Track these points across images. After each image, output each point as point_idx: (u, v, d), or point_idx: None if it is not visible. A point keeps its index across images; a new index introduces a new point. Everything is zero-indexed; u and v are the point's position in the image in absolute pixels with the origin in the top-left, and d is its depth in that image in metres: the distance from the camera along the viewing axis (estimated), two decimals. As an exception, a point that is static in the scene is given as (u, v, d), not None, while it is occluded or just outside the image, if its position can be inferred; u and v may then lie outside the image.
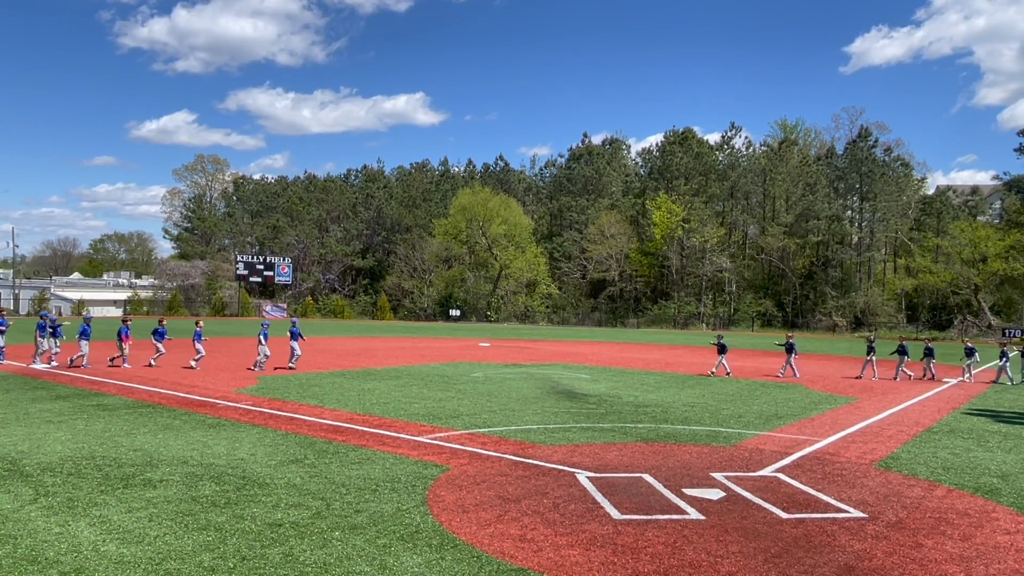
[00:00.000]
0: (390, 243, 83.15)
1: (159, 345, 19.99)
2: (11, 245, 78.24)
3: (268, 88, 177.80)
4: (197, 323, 20.54)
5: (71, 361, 19.38)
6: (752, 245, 75.63)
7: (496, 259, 73.10)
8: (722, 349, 21.52)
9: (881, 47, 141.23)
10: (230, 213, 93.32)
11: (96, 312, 19.32)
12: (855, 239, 71.81)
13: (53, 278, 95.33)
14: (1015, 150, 64.85)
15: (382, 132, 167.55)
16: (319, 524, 6.42)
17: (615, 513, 6.98)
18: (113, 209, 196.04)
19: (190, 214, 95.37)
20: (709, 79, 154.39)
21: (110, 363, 19.68)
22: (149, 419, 11.60)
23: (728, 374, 21.17)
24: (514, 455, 9.52)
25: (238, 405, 13.30)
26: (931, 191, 78.13)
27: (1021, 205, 63.57)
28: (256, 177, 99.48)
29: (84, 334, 19.37)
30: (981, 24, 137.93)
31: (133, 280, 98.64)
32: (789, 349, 21.50)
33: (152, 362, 19.81)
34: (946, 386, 19.85)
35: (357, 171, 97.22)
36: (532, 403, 14.47)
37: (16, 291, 76.56)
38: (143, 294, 78.52)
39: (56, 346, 20.37)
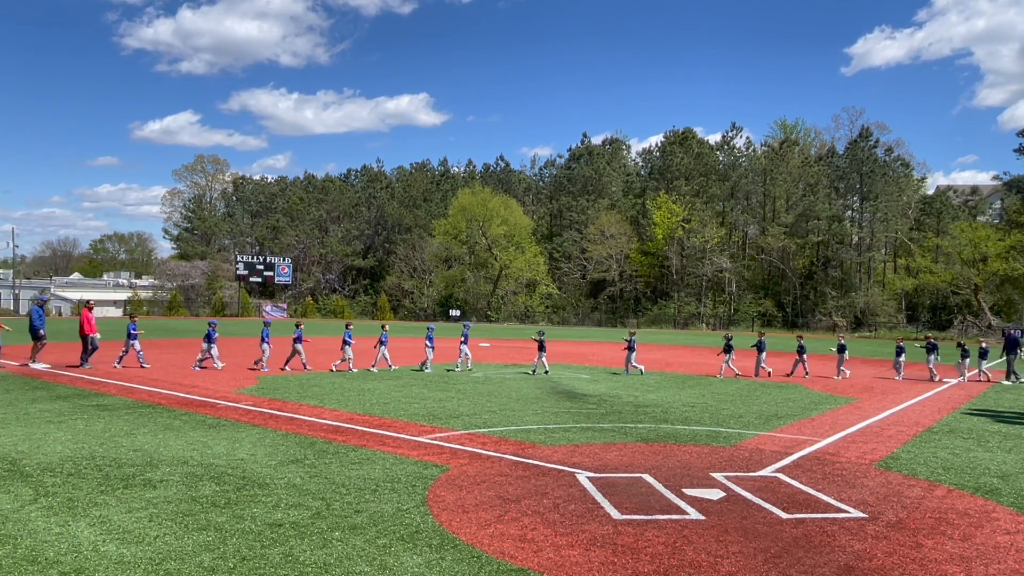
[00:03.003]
0: (390, 243, 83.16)
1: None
2: (11, 245, 78.25)
3: (271, 89, 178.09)
4: (266, 323, 20.57)
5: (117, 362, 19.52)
6: (752, 245, 75.62)
7: (496, 259, 73.10)
8: (728, 349, 21.59)
9: (882, 48, 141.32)
10: (230, 213, 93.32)
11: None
12: (855, 239, 71.79)
13: (53, 278, 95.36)
14: (1015, 150, 64.84)
15: (384, 133, 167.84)
16: (319, 524, 6.42)
17: (615, 513, 6.98)
18: (114, 209, 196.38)
19: (190, 214, 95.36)
20: (709, 79, 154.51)
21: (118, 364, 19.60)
22: (149, 419, 11.60)
23: (737, 375, 21.24)
24: (514, 455, 9.52)
25: (238, 405, 13.30)
26: (931, 191, 78.13)
27: (1021, 205, 63.53)
28: (256, 177, 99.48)
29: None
30: (981, 25, 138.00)
31: (133, 280, 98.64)
32: (759, 348, 21.59)
33: (118, 364, 19.44)
34: (946, 386, 19.85)
35: (357, 171, 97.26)
36: (532, 403, 14.47)
37: (16, 291, 76.54)
38: (143, 294, 78.50)
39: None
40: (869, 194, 68.89)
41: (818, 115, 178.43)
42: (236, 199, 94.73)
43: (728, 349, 21.54)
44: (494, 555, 5.78)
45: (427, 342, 20.79)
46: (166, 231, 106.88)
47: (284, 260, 76.67)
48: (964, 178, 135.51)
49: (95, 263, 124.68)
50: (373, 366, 20.31)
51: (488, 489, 7.76)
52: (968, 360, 21.62)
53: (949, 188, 77.63)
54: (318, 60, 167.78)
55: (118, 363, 19.37)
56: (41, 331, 19.18)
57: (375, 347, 20.30)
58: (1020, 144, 64.74)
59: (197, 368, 19.30)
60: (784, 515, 7.05)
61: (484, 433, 11.11)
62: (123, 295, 79.80)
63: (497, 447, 10.05)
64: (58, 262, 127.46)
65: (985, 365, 21.73)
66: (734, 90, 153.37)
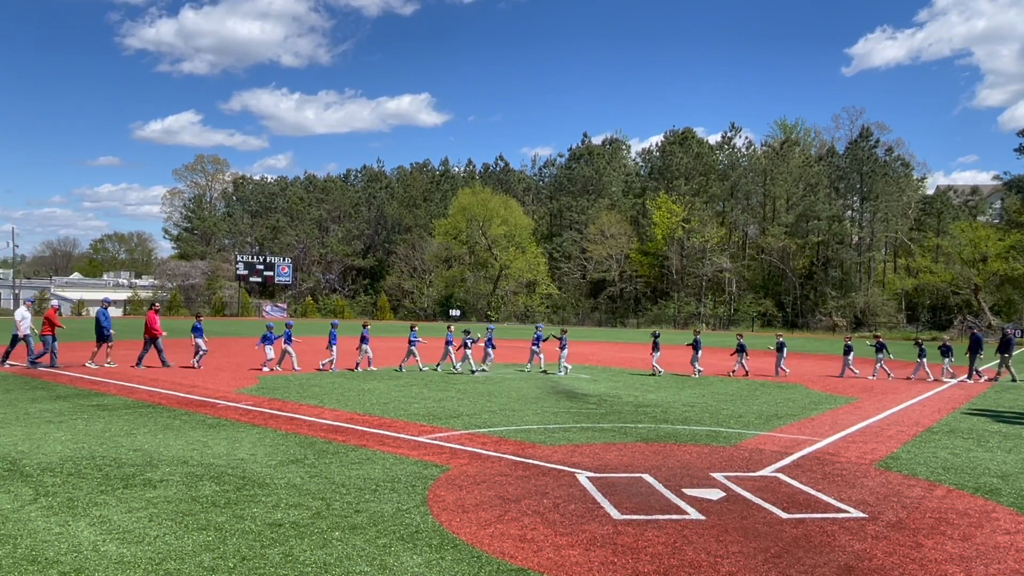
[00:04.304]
0: (390, 243, 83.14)
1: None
2: (11, 245, 78.24)
3: (273, 89, 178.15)
4: (287, 324, 20.68)
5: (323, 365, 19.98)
6: (752, 245, 75.62)
7: (496, 259, 73.09)
8: (741, 349, 21.69)
9: (883, 48, 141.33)
10: (230, 213, 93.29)
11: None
12: (855, 239, 71.79)
13: (53, 278, 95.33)
14: (1015, 150, 64.88)
15: (385, 133, 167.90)
16: (319, 524, 6.42)
17: (615, 513, 6.98)
18: (115, 209, 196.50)
19: (190, 214, 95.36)
20: (709, 79, 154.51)
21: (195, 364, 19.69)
22: (149, 419, 11.60)
23: (747, 374, 21.31)
24: (514, 455, 9.52)
25: (238, 405, 13.30)
26: (931, 191, 78.13)
27: (1021, 205, 63.54)
28: (256, 177, 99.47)
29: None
30: (981, 25, 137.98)
31: (133, 280, 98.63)
32: (740, 349, 21.62)
33: (196, 363, 19.70)
34: (946, 386, 19.85)
35: (357, 171, 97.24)
36: (532, 403, 14.47)
37: (16, 291, 76.50)
38: (143, 294, 78.50)
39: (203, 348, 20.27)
40: (869, 194, 68.89)
41: (818, 115, 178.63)
42: (236, 199, 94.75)
43: (741, 349, 21.69)
44: (494, 555, 5.78)
45: (487, 345, 20.87)
46: (166, 231, 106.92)
47: (284, 260, 76.68)
48: (964, 178, 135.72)
49: (95, 263, 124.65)
50: (358, 366, 20.24)
51: (488, 489, 7.76)
52: (925, 359, 21.64)
53: (949, 188, 77.63)
54: (319, 60, 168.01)
55: (196, 362, 19.65)
56: (106, 332, 19.43)
57: (357, 348, 20.25)
58: (1020, 144, 64.79)
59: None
60: (784, 515, 7.04)
61: (484, 433, 11.11)
62: (123, 295, 79.75)
63: (497, 447, 10.05)
64: (58, 262, 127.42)
65: (948, 363, 21.72)
66: (734, 90, 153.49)
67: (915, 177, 76.38)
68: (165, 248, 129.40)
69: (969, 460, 9.97)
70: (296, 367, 19.66)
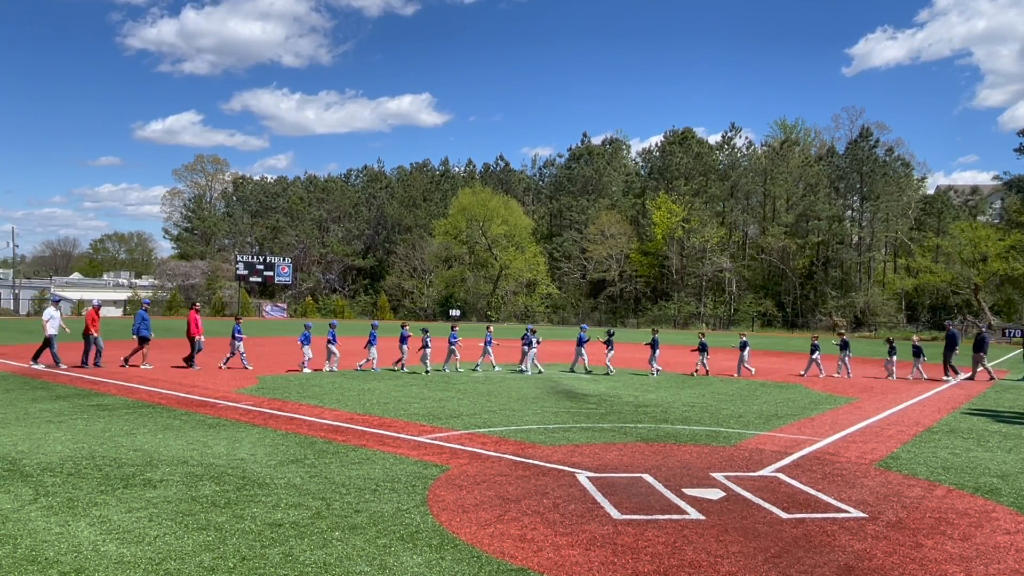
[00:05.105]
0: (390, 243, 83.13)
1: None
2: (11, 245, 78.24)
3: (274, 89, 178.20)
4: (331, 324, 20.78)
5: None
6: (752, 245, 75.61)
7: (496, 259, 73.08)
8: (703, 348, 21.63)
9: (883, 48, 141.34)
10: (229, 213, 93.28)
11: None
12: (855, 239, 71.78)
13: (53, 278, 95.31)
14: (1015, 150, 64.87)
15: (386, 133, 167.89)
16: (319, 524, 6.42)
17: (615, 513, 6.98)
18: (115, 209, 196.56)
19: (190, 214, 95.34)
20: (709, 79, 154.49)
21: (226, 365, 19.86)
22: (149, 419, 11.60)
23: (707, 373, 21.32)
24: (514, 455, 9.52)
25: (238, 405, 13.30)
26: (931, 191, 78.13)
27: (1021, 205, 63.53)
28: (256, 177, 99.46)
29: (332, 339, 19.79)
30: (981, 26, 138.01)
31: (133, 280, 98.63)
32: (702, 348, 21.60)
33: (224, 364, 19.90)
34: (946, 386, 19.85)
35: (358, 171, 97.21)
36: (532, 403, 14.47)
37: (16, 291, 76.50)
38: (143, 294, 78.45)
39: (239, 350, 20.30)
40: (869, 194, 68.89)
41: (818, 115, 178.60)
42: (236, 199, 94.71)
43: (702, 348, 21.67)
44: (494, 555, 5.78)
45: (527, 346, 20.90)
46: (166, 231, 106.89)
47: (284, 260, 76.62)
48: (964, 178, 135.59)
49: (95, 263, 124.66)
50: (401, 365, 20.42)
51: (488, 489, 7.76)
52: (895, 357, 21.69)
53: (950, 188, 77.60)
54: (320, 61, 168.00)
55: (224, 364, 19.76)
56: (144, 333, 19.46)
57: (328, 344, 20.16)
58: (1020, 144, 64.79)
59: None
60: (784, 515, 7.05)
61: (484, 433, 11.11)
62: (123, 295, 79.77)
63: (497, 447, 10.05)
64: (58, 262, 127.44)
65: (920, 362, 21.73)
66: (734, 90, 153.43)
67: (915, 177, 76.41)
68: (165, 248, 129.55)
69: (969, 460, 9.97)
70: (335, 367, 19.78)
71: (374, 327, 20.86)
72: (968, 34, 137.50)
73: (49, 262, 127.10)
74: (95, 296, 77.77)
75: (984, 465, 9.66)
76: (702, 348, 21.54)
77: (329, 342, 19.82)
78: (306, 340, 19.53)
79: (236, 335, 19.86)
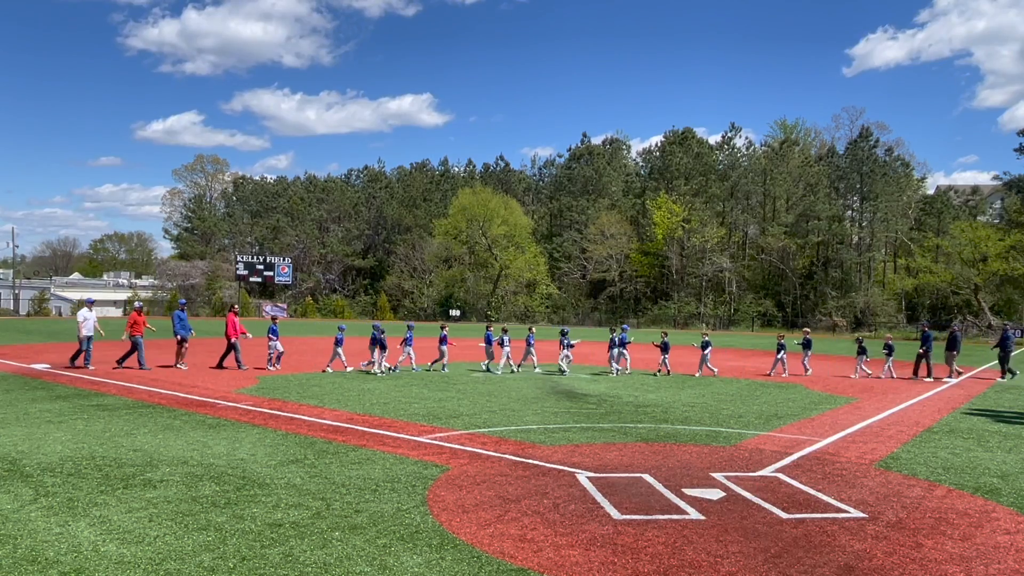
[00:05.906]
0: (390, 243, 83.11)
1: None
2: (11, 245, 78.24)
3: (274, 90, 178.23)
4: (408, 325, 21.06)
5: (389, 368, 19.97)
6: (752, 245, 75.59)
7: (496, 259, 73.07)
8: (664, 347, 21.61)
9: (883, 49, 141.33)
10: (230, 213, 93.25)
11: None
12: (855, 239, 71.78)
13: (53, 278, 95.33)
14: (1015, 150, 64.87)
15: (387, 133, 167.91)
16: (319, 524, 6.42)
17: (615, 513, 6.98)
18: (115, 209, 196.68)
19: (190, 214, 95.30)
20: (709, 79, 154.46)
21: (270, 366, 19.90)
22: (149, 419, 11.60)
23: (668, 372, 21.20)
24: (514, 455, 9.52)
25: (238, 405, 13.30)
26: (932, 191, 78.11)
27: (1021, 205, 63.52)
28: (256, 177, 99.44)
29: (408, 340, 20.04)
30: (981, 26, 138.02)
31: (133, 280, 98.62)
32: (664, 347, 21.64)
33: (274, 366, 19.93)
34: (946, 386, 19.85)
35: (358, 171, 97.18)
36: (532, 403, 14.47)
37: (16, 291, 76.50)
38: (143, 294, 78.47)
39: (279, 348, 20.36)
40: (869, 194, 68.87)
41: (818, 115, 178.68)
42: (236, 199, 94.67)
43: (664, 347, 21.64)
44: (494, 555, 5.78)
45: (532, 346, 21.34)
46: (166, 231, 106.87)
47: (284, 260, 76.59)
48: (965, 178, 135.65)
49: (95, 263, 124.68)
50: (440, 365, 20.59)
51: (488, 489, 7.76)
52: (865, 356, 21.78)
53: (950, 188, 77.57)
54: (321, 61, 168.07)
55: (273, 365, 19.88)
56: (182, 334, 19.58)
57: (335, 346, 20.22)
58: (1020, 144, 64.79)
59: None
60: (784, 515, 7.05)
61: (484, 433, 11.11)
62: (123, 295, 79.76)
63: (497, 447, 10.05)
64: (58, 262, 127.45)
65: (890, 362, 21.80)
66: (734, 90, 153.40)
67: (915, 177, 76.37)
68: (165, 248, 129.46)
69: (969, 460, 9.97)
70: (415, 366, 20.18)
71: (410, 327, 20.96)
72: (968, 34, 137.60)
73: (49, 262, 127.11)
74: (93, 296, 77.72)
75: (984, 465, 9.66)
76: (664, 348, 21.55)
77: (404, 343, 20.10)
78: (339, 344, 19.75)
79: (272, 334, 20.04)
